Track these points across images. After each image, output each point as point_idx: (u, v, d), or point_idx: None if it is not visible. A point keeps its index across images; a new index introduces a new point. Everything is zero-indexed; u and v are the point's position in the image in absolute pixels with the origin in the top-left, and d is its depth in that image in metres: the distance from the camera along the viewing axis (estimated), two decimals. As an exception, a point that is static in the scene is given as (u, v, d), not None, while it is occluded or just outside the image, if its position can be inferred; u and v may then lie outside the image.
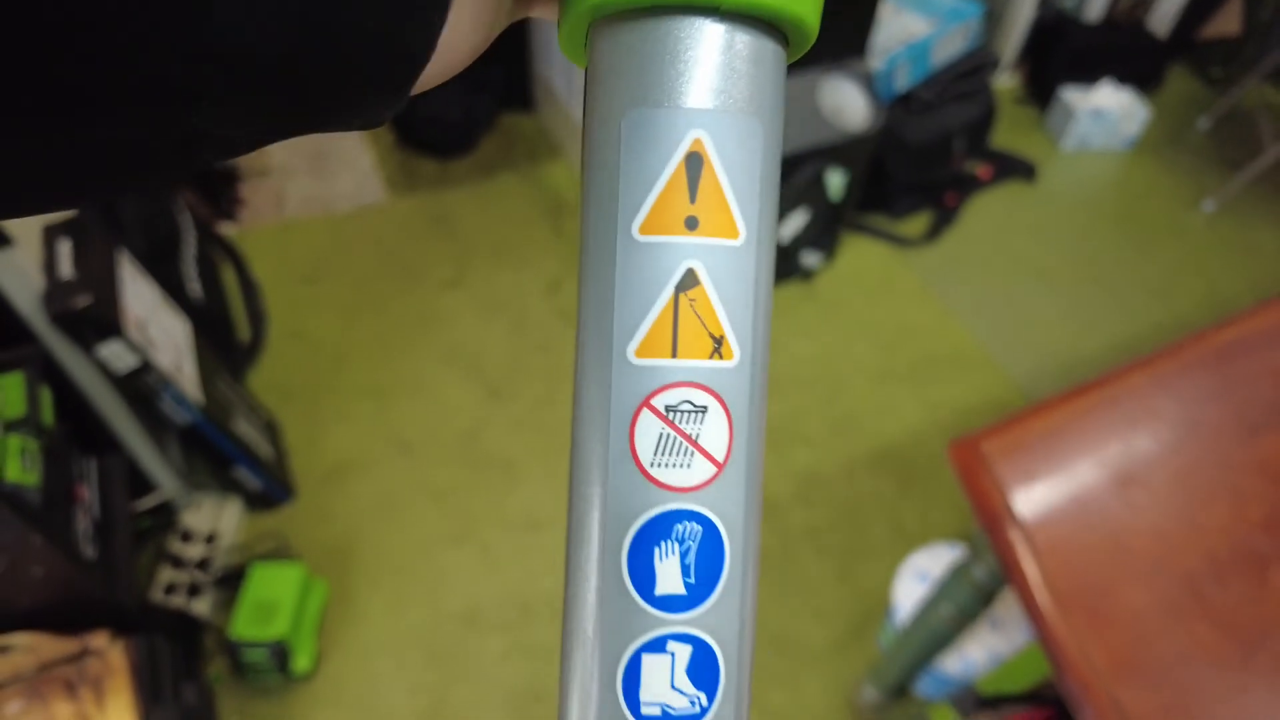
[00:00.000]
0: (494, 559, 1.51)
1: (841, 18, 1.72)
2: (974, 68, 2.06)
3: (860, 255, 2.09)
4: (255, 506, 1.55)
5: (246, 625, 1.31)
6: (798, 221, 1.83)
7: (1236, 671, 0.72)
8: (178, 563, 1.41)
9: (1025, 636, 1.33)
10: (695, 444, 0.17)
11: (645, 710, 0.17)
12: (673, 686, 0.18)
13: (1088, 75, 2.47)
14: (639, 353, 0.17)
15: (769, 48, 0.18)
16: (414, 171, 2.22)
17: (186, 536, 1.44)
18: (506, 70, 2.27)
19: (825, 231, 1.94)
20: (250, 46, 0.13)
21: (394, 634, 1.42)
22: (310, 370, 1.78)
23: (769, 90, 0.18)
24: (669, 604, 0.17)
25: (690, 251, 0.17)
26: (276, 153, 2.22)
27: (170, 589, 1.38)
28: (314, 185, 2.16)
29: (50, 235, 1.20)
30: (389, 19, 0.14)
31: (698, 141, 0.17)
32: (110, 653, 1.13)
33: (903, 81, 1.99)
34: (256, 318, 1.84)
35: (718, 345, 0.17)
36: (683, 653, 0.18)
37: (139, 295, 1.30)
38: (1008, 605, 1.35)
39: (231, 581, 1.41)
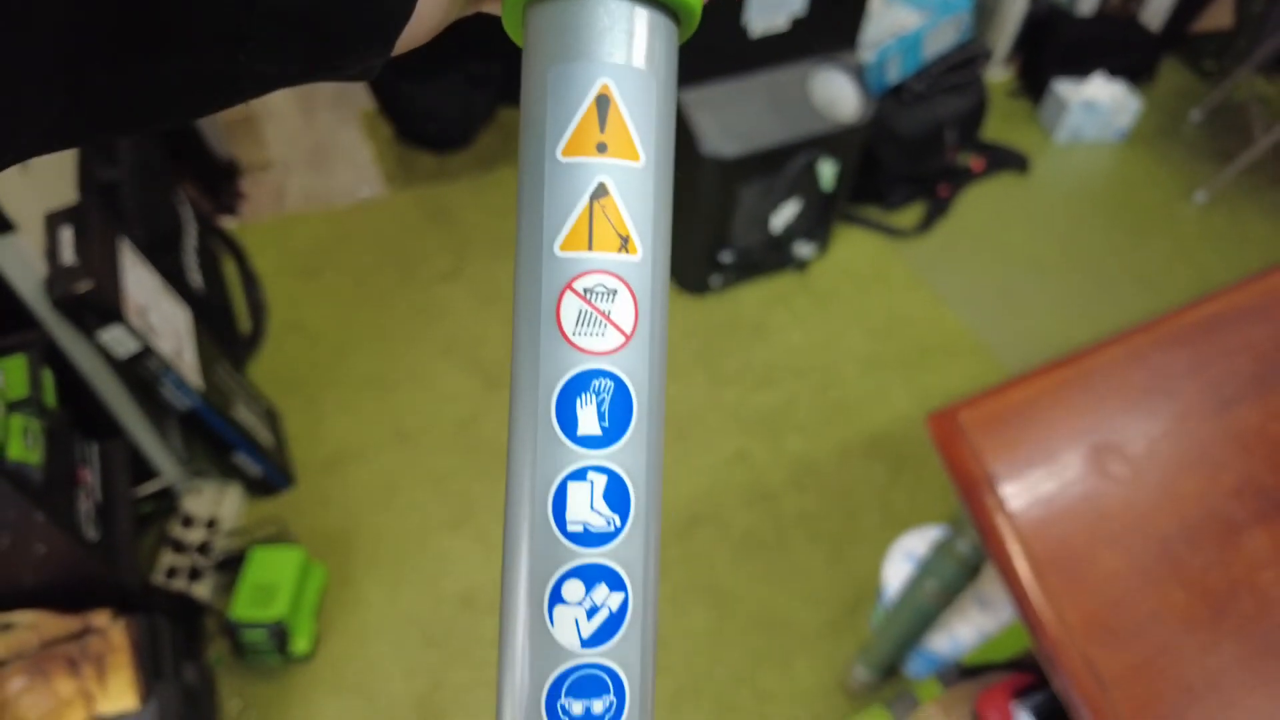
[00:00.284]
0: (491, 543, 1.53)
1: (833, 10, 1.75)
2: (965, 60, 2.08)
3: (853, 246, 2.11)
4: (255, 493, 1.57)
5: (246, 606, 1.33)
6: (790, 211, 1.85)
7: (1206, 631, 0.74)
8: (179, 547, 1.43)
9: (1012, 615, 1.34)
10: (608, 318, 0.22)
11: (570, 528, 0.22)
12: (592, 508, 0.22)
13: (1080, 68, 2.49)
14: (563, 247, 0.21)
15: (662, 22, 0.22)
16: (412, 166, 2.24)
17: (187, 521, 1.46)
18: (504, 66, 2.29)
19: (818, 222, 1.96)
20: (286, 4, 0.18)
21: (392, 617, 1.44)
22: (310, 361, 1.80)
23: (661, 55, 0.22)
24: (588, 442, 0.22)
25: (601, 169, 0.22)
26: (277, 148, 2.25)
27: (171, 573, 1.41)
28: (313, 179, 2.19)
29: (52, 223, 1.23)
30: None
31: (605, 86, 0.21)
32: (112, 631, 1.15)
33: (894, 74, 2.01)
34: (257, 309, 1.86)
35: (625, 243, 0.22)
36: (599, 481, 0.22)
37: (140, 282, 1.32)
38: (995, 584, 1.36)
39: (232, 566, 1.44)
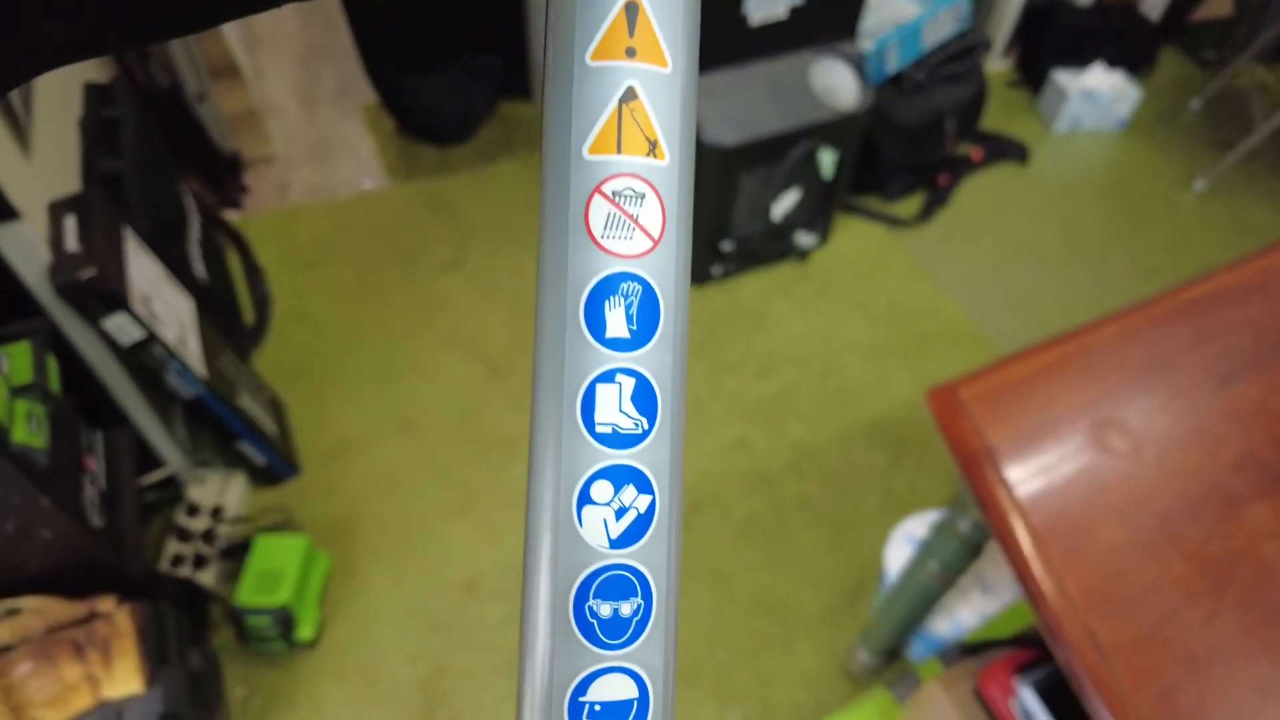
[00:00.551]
0: (494, 531, 1.54)
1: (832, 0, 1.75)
2: (965, 49, 2.08)
3: (853, 236, 2.12)
4: (260, 482, 1.58)
5: (251, 593, 1.34)
6: (790, 200, 1.85)
7: (1207, 601, 0.75)
8: (184, 535, 1.44)
9: (1014, 597, 1.35)
10: (636, 222, 0.22)
11: (599, 429, 0.22)
12: (620, 410, 0.22)
13: (1079, 58, 2.49)
14: (591, 150, 0.22)
15: None
16: (414, 159, 2.24)
17: (192, 510, 1.47)
18: (505, 59, 2.29)
19: (818, 212, 1.96)
20: None
21: (396, 604, 1.45)
22: (314, 352, 1.80)
23: None
24: (617, 345, 0.22)
25: (630, 73, 0.22)
26: (280, 141, 2.25)
27: (177, 561, 1.41)
28: (316, 173, 2.19)
29: (56, 211, 1.23)
30: None
31: None
32: (117, 616, 1.16)
33: (893, 63, 2.01)
34: (261, 301, 1.87)
35: (653, 147, 0.22)
36: (627, 384, 0.22)
37: (143, 271, 1.33)
38: (997, 567, 1.37)
39: (237, 554, 1.44)
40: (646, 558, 0.22)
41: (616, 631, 0.22)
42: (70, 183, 1.38)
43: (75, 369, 1.27)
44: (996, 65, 2.65)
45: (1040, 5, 2.51)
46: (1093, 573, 0.76)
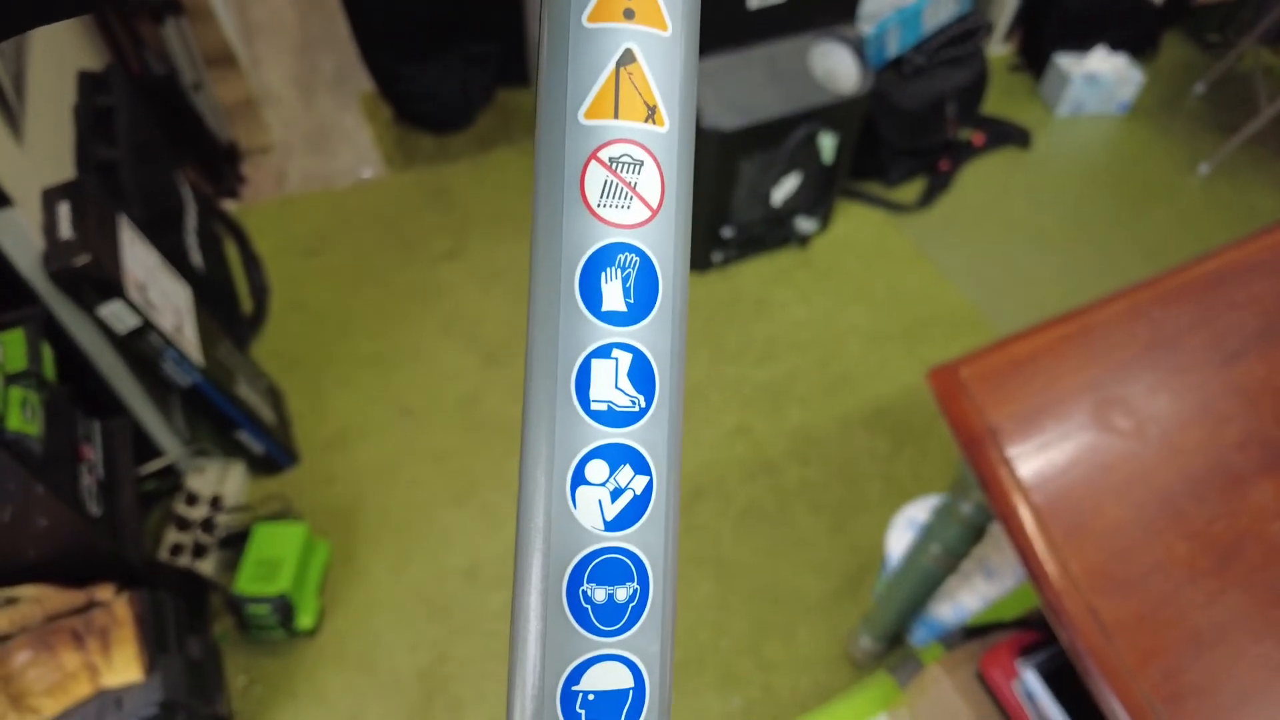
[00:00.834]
0: (494, 518, 1.53)
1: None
2: (966, 33, 2.07)
3: (855, 221, 2.10)
4: (259, 470, 1.57)
5: (250, 581, 1.33)
6: (791, 185, 1.84)
7: (1212, 580, 0.74)
8: (183, 524, 1.43)
9: (1017, 583, 1.34)
10: (634, 190, 0.21)
11: (594, 406, 0.21)
12: (616, 387, 0.21)
13: (1082, 41, 2.47)
14: (587, 115, 0.21)
15: None
16: (412, 147, 2.23)
17: (191, 499, 1.46)
18: (503, 46, 2.28)
19: (819, 197, 1.95)
20: None
21: (396, 592, 1.44)
22: (312, 340, 1.80)
23: None
24: (613, 318, 0.21)
25: (629, 35, 0.21)
26: (277, 131, 2.24)
27: (176, 550, 1.41)
28: (314, 161, 2.18)
29: (50, 198, 1.22)
30: None
31: None
32: (116, 605, 1.15)
33: (894, 47, 1.99)
34: (259, 290, 1.86)
35: (652, 113, 0.21)
36: (624, 359, 0.21)
37: (139, 258, 1.32)
38: (1000, 553, 1.36)
39: (236, 543, 1.44)
40: (643, 541, 0.22)
41: (611, 617, 0.21)
42: (64, 170, 1.37)
43: (73, 358, 1.26)
44: (998, 49, 2.63)
45: (1042, -12, 2.49)
46: (1096, 552, 0.75)
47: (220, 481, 1.51)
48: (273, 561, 1.36)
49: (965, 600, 1.33)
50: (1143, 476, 0.79)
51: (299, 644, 1.38)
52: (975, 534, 1.04)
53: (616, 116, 0.21)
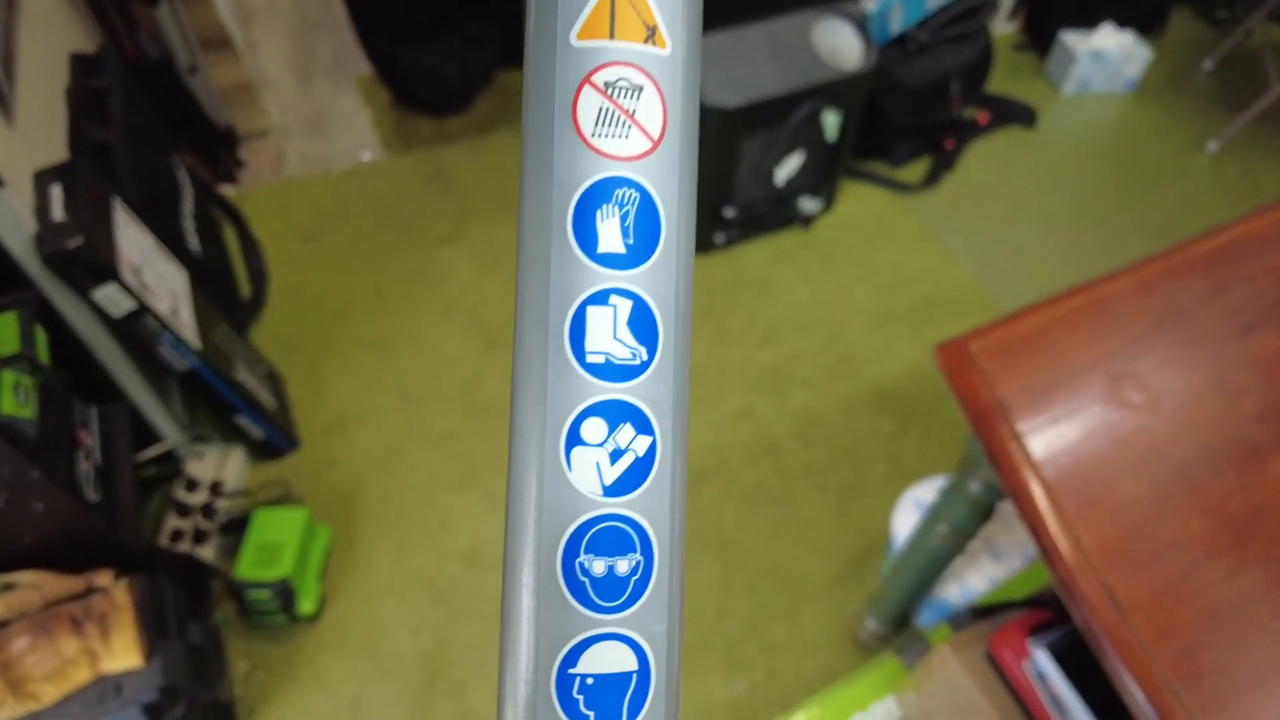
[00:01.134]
0: (496, 501, 1.52)
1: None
2: (970, 9, 2.04)
3: (859, 201, 2.08)
4: (259, 456, 1.56)
5: (250, 566, 1.32)
6: (794, 164, 1.82)
7: (1230, 556, 0.72)
8: (183, 510, 1.42)
9: (1025, 564, 1.33)
10: (632, 118, 0.19)
11: (590, 359, 0.19)
12: (615, 337, 0.19)
13: (1088, 18, 2.43)
14: (580, 35, 0.19)
15: None
16: (411, 130, 2.21)
17: (191, 485, 1.45)
18: (502, 27, 2.25)
19: (822, 176, 1.93)
20: None
21: (398, 576, 1.43)
22: (312, 325, 1.78)
23: None
24: (610, 261, 0.19)
25: None
26: (275, 114, 2.22)
27: (176, 535, 1.40)
28: (312, 145, 2.16)
29: (41, 180, 1.20)
30: None
31: None
32: (115, 590, 1.14)
33: (897, 24, 1.97)
34: (258, 275, 1.84)
35: (651, 33, 0.19)
36: (623, 306, 0.19)
37: (133, 241, 1.30)
38: (1008, 532, 1.35)
39: (237, 528, 1.43)
40: (646, 507, 0.20)
41: (612, 592, 0.20)
42: (57, 153, 1.35)
43: (69, 343, 1.24)
44: (1003, 27, 2.60)
45: (1048, -36, 2.46)
46: (1109, 528, 0.73)
47: (220, 467, 1.50)
48: (273, 547, 1.35)
49: (972, 581, 1.32)
50: (1157, 450, 0.77)
51: (301, 629, 1.37)
52: (983, 513, 1.03)
53: (612, 37, 0.19)
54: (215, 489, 1.45)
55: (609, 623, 0.20)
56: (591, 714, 0.19)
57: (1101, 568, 0.71)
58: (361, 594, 1.41)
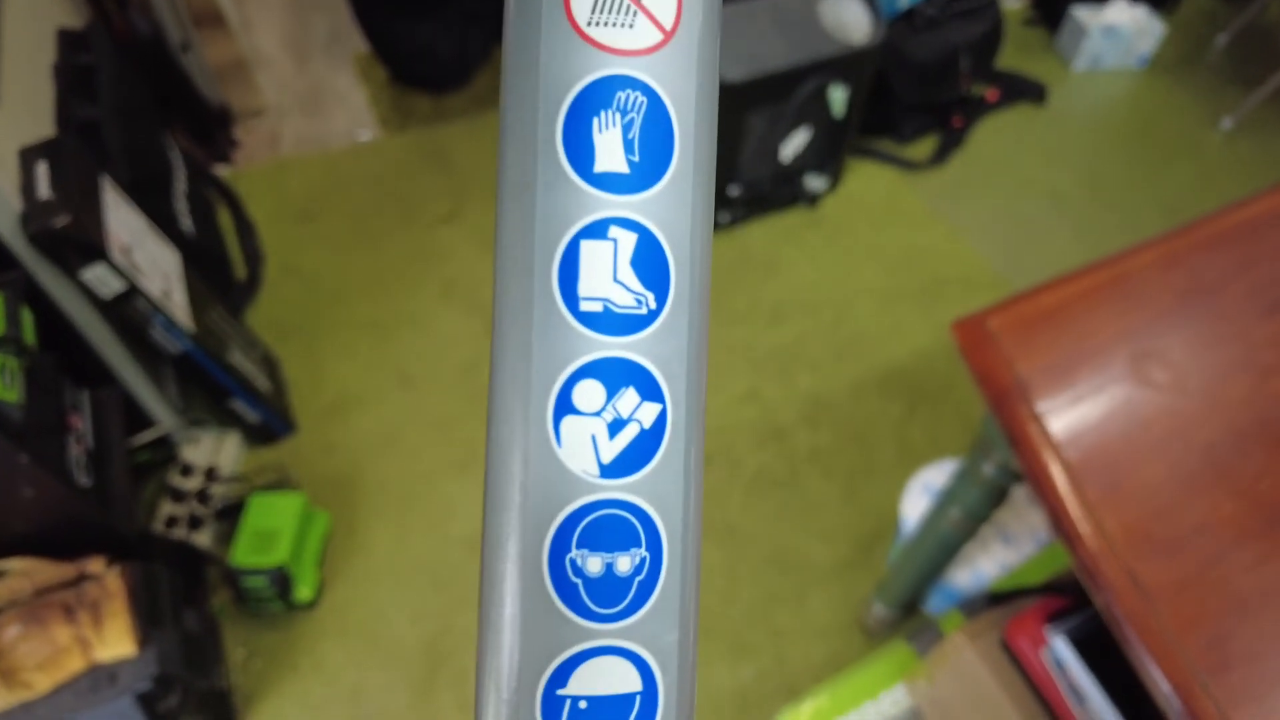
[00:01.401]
0: (496, 487, 1.49)
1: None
2: (981, -18, 1.99)
3: (866, 179, 2.04)
4: (255, 440, 1.53)
5: (246, 553, 1.30)
6: (800, 140, 1.78)
7: (1261, 542, 0.69)
8: (178, 496, 1.40)
9: (1037, 548, 1.30)
10: (639, 3, 0.15)
11: (585, 305, 0.15)
12: (615, 279, 0.15)
13: (1100, -8, 2.38)
14: None
15: None
16: (408, 108, 2.17)
17: (186, 470, 1.43)
18: (501, 1, 2.20)
19: (829, 154, 1.89)
20: None
21: (398, 562, 1.41)
22: (309, 307, 1.75)
23: None
24: (610, 183, 0.15)
25: None
26: (270, 93, 2.18)
27: (171, 522, 1.37)
28: (308, 124, 2.12)
29: (27, 157, 1.17)
30: None
31: None
32: (108, 577, 1.12)
33: (907, -3, 1.92)
34: (253, 256, 1.81)
35: None
36: (626, 241, 0.15)
37: (123, 221, 1.27)
38: (1019, 517, 1.32)
39: (232, 514, 1.40)
40: (653, 492, 0.16)
41: (610, 596, 0.16)
42: (44, 130, 1.32)
43: (59, 326, 1.21)
44: (1012, 3, 2.55)
45: (1059, -64, 2.40)
46: (1134, 511, 0.70)
47: (215, 452, 1.47)
48: (269, 532, 1.32)
49: (984, 566, 1.29)
50: (1183, 432, 0.74)
51: (298, 616, 1.35)
52: (997, 496, 1.00)
53: None
54: (210, 474, 1.43)
55: (607, 633, 0.16)
56: None
57: (1125, 553, 0.68)
58: (361, 580, 1.39)
